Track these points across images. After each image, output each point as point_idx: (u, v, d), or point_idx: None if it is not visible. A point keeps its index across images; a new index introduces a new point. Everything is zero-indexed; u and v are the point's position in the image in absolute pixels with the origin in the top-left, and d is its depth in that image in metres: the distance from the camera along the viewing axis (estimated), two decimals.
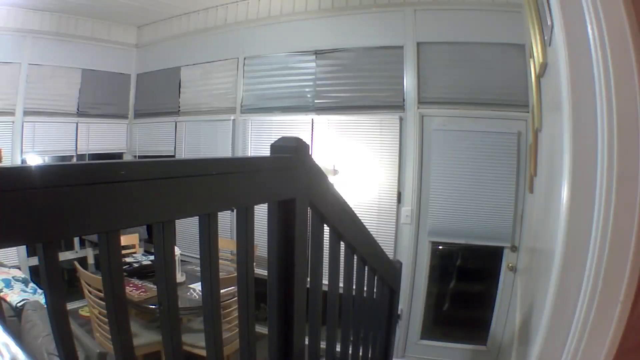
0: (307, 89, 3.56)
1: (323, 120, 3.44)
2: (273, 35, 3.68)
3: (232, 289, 2.28)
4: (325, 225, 1.10)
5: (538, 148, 2.15)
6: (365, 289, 1.60)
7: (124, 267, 3.00)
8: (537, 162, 2.17)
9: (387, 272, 1.86)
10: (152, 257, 3.19)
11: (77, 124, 4.21)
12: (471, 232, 3.01)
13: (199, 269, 0.79)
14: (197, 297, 2.68)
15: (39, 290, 2.61)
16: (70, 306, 3.71)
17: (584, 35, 0.88)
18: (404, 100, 3.16)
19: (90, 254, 4.28)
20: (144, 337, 2.63)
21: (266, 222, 0.92)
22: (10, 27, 3.72)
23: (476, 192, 2.98)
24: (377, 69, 3.30)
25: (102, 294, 1.87)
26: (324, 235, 1.10)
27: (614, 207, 0.84)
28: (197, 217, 0.74)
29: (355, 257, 1.37)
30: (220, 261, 0.80)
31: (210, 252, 0.76)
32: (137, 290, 2.70)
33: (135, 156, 4.59)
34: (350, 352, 1.50)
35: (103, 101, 4.41)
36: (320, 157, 3.30)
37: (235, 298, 1.49)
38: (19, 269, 3.24)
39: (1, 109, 3.75)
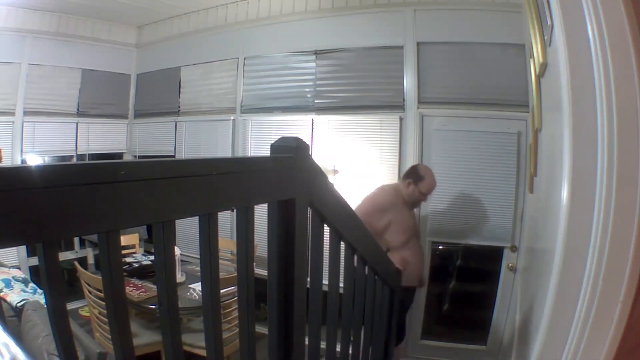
0: (307, 89, 3.55)
1: (323, 120, 3.44)
2: (273, 35, 3.68)
3: (232, 289, 2.28)
4: (325, 225, 1.10)
5: (538, 148, 2.15)
6: (365, 288, 1.60)
7: (124, 267, 3.00)
8: (537, 162, 2.17)
9: (387, 272, 1.86)
10: (152, 257, 3.19)
11: (77, 124, 4.21)
12: (471, 232, 3.01)
13: (199, 269, 0.79)
14: (197, 297, 2.68)
15: (39, 290, 2.61)
16: (70, 306, 3.71)
17: (584, 35, 0.88)
18: (404, 100, 3.16)
19: (90, 254, 4.27)
20: (144, 337, 2.63)
21: (266, 222, 0.92)
22: (10, 27, 3.71)
23: (476, 192, 2.98)
24: (377, 69, 3.30)
25: (102, 294, 1.87)
26: (324, 235, 1.10)
27: (614, 207, 0.84)
28: (197, 217, 0.74)
29: (355, 257, 1.37)
30: (220, 261, 0.80)
31: (210, 252, 0.76)
32: (137, 290, 2.70)
33: (135, 156, 4.59)
34: (350, 352, 1.51)
35: (103, 101, 4.41)
36: (320, 157, 3.30)
37: (235, 298, 1.50)
38: (19, 269, 3.24)
39: (1, 109, 3.75)
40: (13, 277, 2.67)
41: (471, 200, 2.98)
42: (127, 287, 2.73)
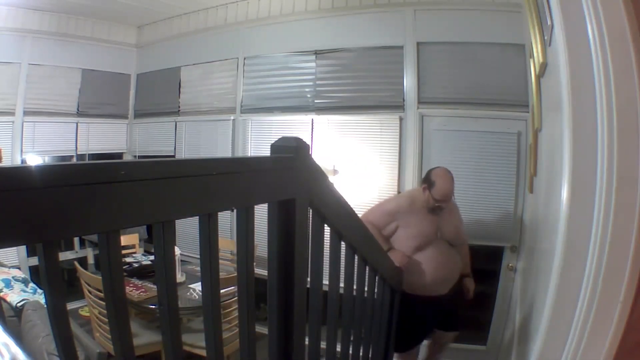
0: (307, 89, 3.55)
1: (323, 120, 3.44)
2: (273, 35, 3.68)
3: (232, 289, 2.28)
4: (325, 225, 1.10)
5: (538, 148, 2.15)
6: (366, 288, 1.60)
7: (124, 267, 3.00)
8: (537, 162, 2.17)
9: (388, 272, 1.86)
10: (152, 257, 3.19)
11: (77, 124, 4.21)
12: (471, 232, 3.00)
13: (199, 269, 0.79)
14: (197, 297, 2.68)
15: (39, 290, 2.61)
16: (70, 306, 3.71)
17: (584, 35, 0.89)
18: (403, 100, 3.16)
19: (90, 254, 4.27)
20: (144, 337, 2.63)
21: (266, 222, 0.92)
22: (10, 27, 3.71)
23: (476, 192, 2.97)
24: (377, 69, 3.30)
25: (102, 294, 1.87)
26: (324, 235, 1.10)
27: (614, 207, 0.84)
28: (197, 217, 0.74)
29: (355, 257, 1.37)
30: (220, 261, 0.80)
31: (210, 252, 0.76)
32: (137, 290, 2.70)
33: (135, 156, 4.59)
34: (350, 352, 1.51)
35: (103, 101, 4.41)
36: (320, 157, 3.30)
37: (235, 298, 1.50)
38: (19, 269, 3.24)
39: (1, 109, 3.75)
40: (13, 277, 2.67)
41: (471, 200, 2.98)
42: (127, 287, 2.73)
